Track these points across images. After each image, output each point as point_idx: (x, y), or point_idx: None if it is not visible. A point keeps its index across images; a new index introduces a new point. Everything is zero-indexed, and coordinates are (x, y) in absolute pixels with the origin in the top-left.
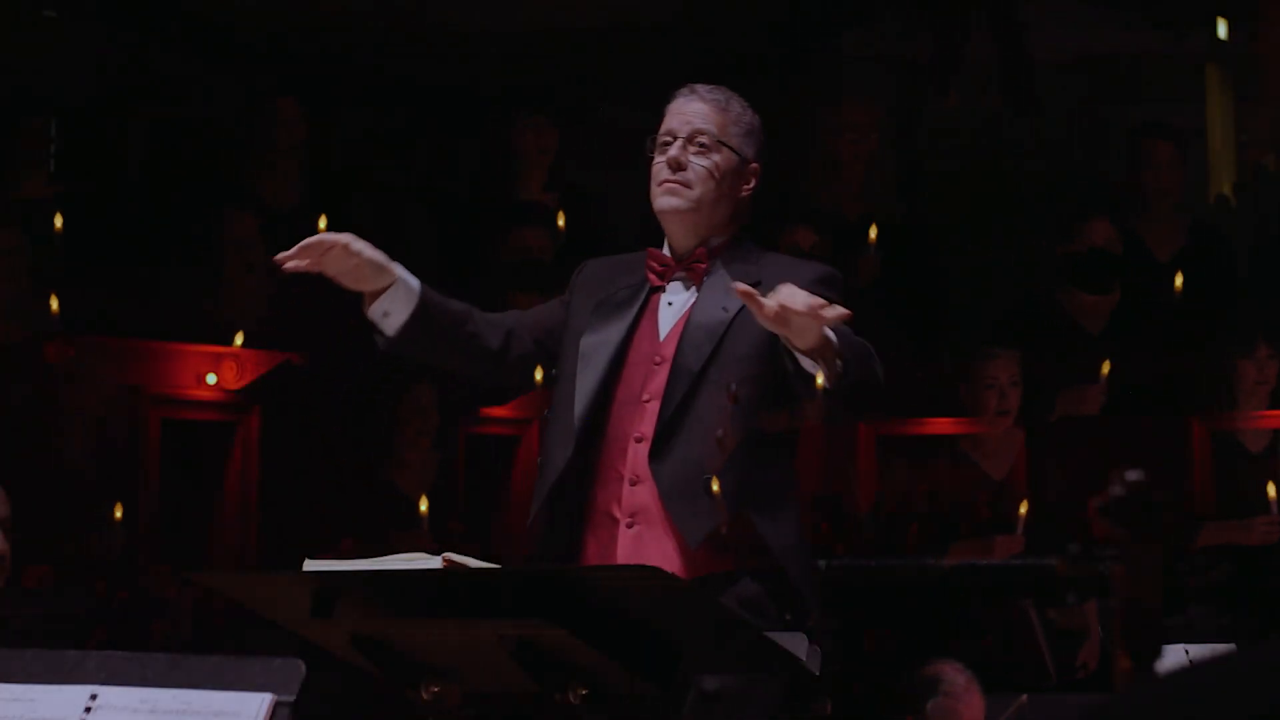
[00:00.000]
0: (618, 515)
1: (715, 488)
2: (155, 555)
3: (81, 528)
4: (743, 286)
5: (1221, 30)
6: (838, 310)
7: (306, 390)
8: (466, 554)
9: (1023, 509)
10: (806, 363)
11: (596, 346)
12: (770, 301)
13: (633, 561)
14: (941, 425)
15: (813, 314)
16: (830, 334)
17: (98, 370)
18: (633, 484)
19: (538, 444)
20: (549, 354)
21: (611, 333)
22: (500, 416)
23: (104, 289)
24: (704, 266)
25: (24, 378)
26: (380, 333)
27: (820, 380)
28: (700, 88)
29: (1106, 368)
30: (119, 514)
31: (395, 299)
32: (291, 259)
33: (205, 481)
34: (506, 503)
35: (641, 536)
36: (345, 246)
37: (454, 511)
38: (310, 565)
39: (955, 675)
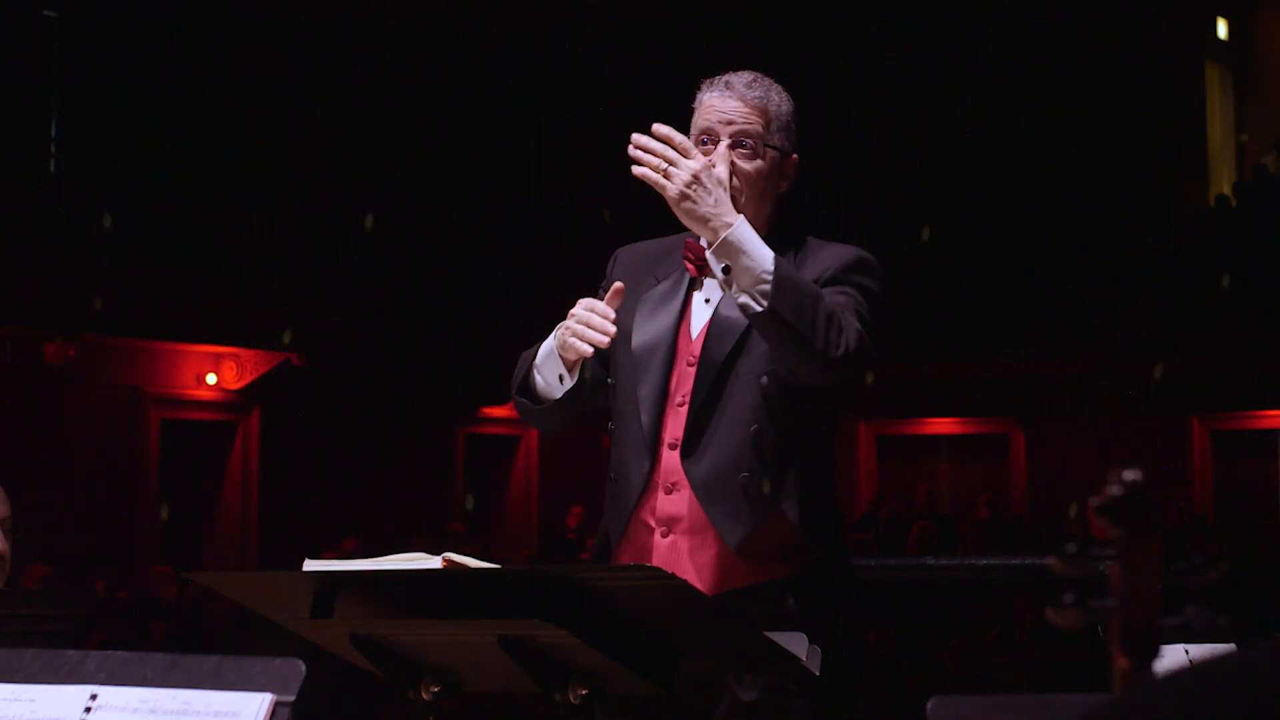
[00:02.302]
0: (652, 524)
1: (765, 488)
2: (155, 555)
3: (82, 527)
4: (638, 169)
5: (1221, 30)
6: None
7: (308, 390)
8: (466, 554)
9: (1072, 510)
10: (728, 284)
11: (649, 350)
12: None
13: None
14: (941, 425)
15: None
16: (747, 246)
17: (98, 370)
18: (668, 491)
19: (533, 448)
20: (606, 366)
21: (659, 334)
22: (500, 417)
23: (134, 289)
24: None
25: (24, 378)
26: (536, 397)
27: (739, 299)
28: (736, 82)
29: (1159, 370)
30: (164, 515)
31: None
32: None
33: (205, 481)
34: (506, 503)
35: (677, 545)
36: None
37: (454, 511)
38: (310, 565)
39: (1007, 674)
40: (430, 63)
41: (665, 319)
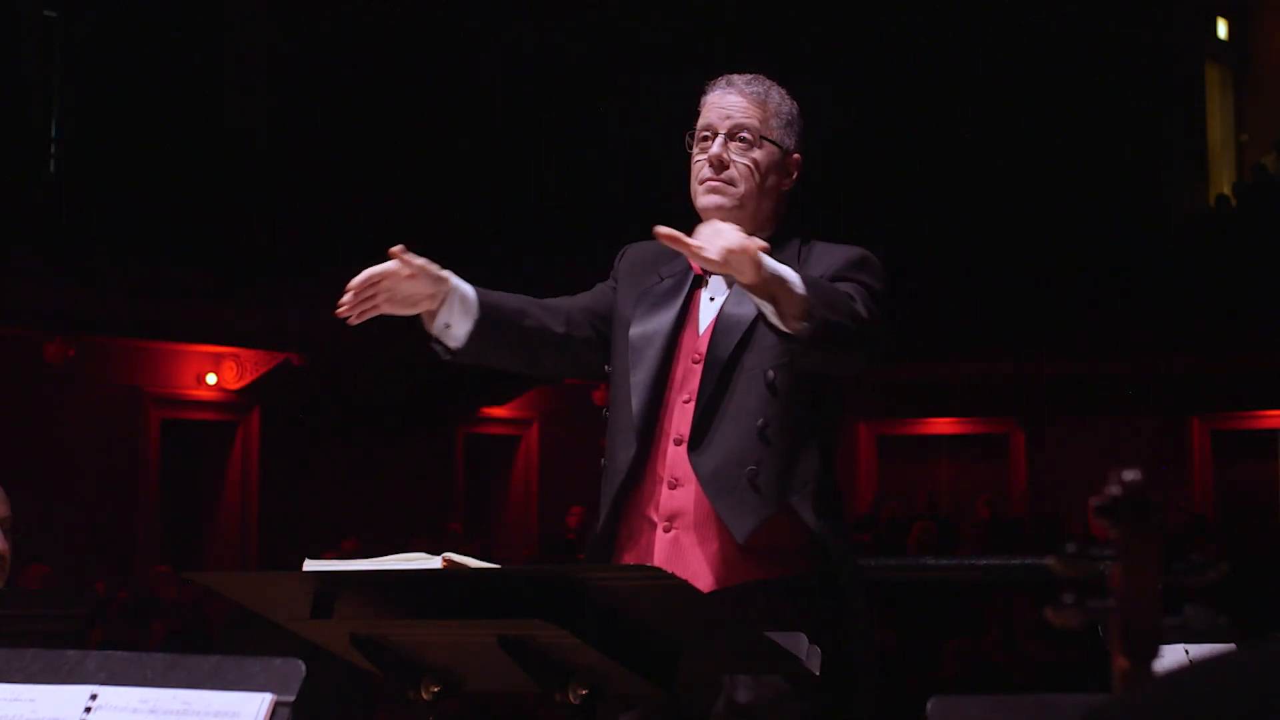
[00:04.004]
0: (655, 519)
1: (770, 481)
2: (155, 555)
3: (82, 527)
4: (665, 230)
5: (1221, 30)
6: (753, 240)
7: (308, 390)
8: (466, 554)
9: None
10: (766, 309)
11: (646, 340)
12: (694, 241)
13: (669, 567)
14: (941, 425)
15: (741, 249)
16: (780, 271)
17: (98, 370)
18: (671, 487)
19: (533, 448)
20: (604, 340)
21: (659, 325)
22: (500, 416)
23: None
24: None
25: (24, 378)
26: (442, 345)
27: (777, 324)
28: (737, 80)
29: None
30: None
31: (454, 310)
32: (351, 307)
33: (205, 481)
34: (506, 503)
35: (679, 541)
36: (398, 271)
37: (454, 511)
38: (310, 565)
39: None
40: (430, 63)
41: (666, 314)
